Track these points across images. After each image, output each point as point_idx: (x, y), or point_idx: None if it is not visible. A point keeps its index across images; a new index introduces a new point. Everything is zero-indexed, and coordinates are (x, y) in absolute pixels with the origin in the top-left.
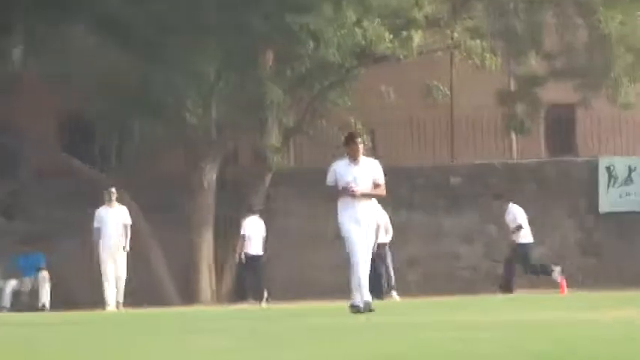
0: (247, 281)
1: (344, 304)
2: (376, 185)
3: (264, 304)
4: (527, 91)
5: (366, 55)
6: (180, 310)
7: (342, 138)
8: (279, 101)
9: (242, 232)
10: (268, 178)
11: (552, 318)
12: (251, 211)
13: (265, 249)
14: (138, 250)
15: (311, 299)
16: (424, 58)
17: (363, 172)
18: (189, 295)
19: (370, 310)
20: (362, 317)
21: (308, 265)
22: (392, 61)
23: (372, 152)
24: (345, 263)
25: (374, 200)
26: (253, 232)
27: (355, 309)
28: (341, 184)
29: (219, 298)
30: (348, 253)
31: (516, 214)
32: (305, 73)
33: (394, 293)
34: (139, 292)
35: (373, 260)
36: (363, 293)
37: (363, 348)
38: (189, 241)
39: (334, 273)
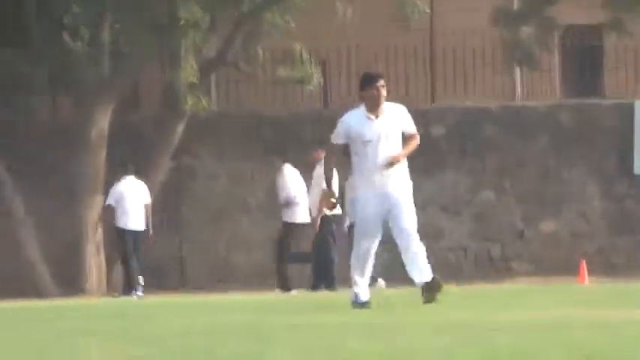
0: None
1: (274, 296)
2: (408, 137)
3: (137, 295)
4: (537, 9)
5: None
6: (47, 304)
7: (360, 79)
8: (195, 21)
9: (107, 202)
10: (181, 126)
11: (568, 317)
12: (126, 171)
13: (147, 222)
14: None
15: (231, 288)
16: None
17: (390, 126)
18: (69, 282)
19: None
20: (362, 315)
21: (230, 243)
22: None
23: (322, 91)
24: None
25: (405, 162)
26: (129, 199)
27: (360, 305)
28: (358, 146)
29: (109, 287)
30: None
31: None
32: None
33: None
34: (9, 280)
35: (320, 242)
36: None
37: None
38: (71, 213)
39: (262, 252)
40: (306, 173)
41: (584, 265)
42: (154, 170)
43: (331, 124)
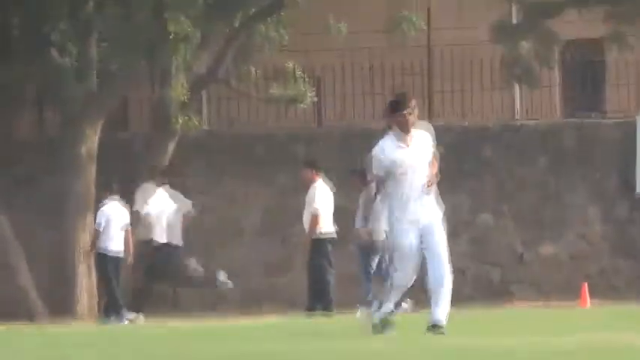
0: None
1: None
2: (434, 159)
3: (128, 319)
4: (536, 23)
5: None
6: (31, 330)
7: (386, 104)
8: (185, 35)
9: (97, 222)
10: (171, 145)
11: (563, 344)
12: (111, 191)
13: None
14: None
15: (220, 314)
16: None
17: (419, 151)
18: (60, 306)
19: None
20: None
21: (223, 267)
22: None
23: (316, 109)
24: (273, 264)
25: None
26: (114, 222)
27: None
28: (391, 175)
29: (101, 310)
30: (388, 265)
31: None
32: None
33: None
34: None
35: (315, 264)
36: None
37: None
38: (60, 233)
39: (257, 277)
40: (301, 192)
41: (585, 288)
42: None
43: (325, 142)
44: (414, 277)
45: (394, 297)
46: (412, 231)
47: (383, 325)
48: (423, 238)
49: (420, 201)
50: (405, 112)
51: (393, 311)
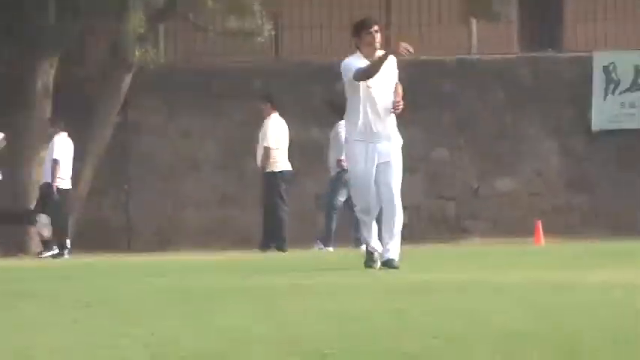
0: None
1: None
2: (395, 85)
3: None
4: None
5: None
6: None
7: (352, 26)
8: None
9: (55, 156)
10: (127, 79)
11: (523, 279)
12: (58, 126)
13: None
14: None
15: (178, 249)
16: None
17: (385, 72)
18: (13, 243)
19: (392, 267)
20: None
21: (178, 203)
22: None
23: (273, 45)
24: (225, 199)
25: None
26: (66, 157)
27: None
28: (356, 90)
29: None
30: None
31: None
32: None
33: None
34: None
35: (268, 201)
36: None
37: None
38: (16, 169)
39: (211, 212)
40: (259, 127)
41: (539, 225)
42: (100, 126)
43: (282, 76)
44: (376, 205)
45: (365, 230)
46: (369, 157)
47: (368, 260)
48: (378, 167)
49: (383, 123)
50: (371, 30)
51: (369, 244)
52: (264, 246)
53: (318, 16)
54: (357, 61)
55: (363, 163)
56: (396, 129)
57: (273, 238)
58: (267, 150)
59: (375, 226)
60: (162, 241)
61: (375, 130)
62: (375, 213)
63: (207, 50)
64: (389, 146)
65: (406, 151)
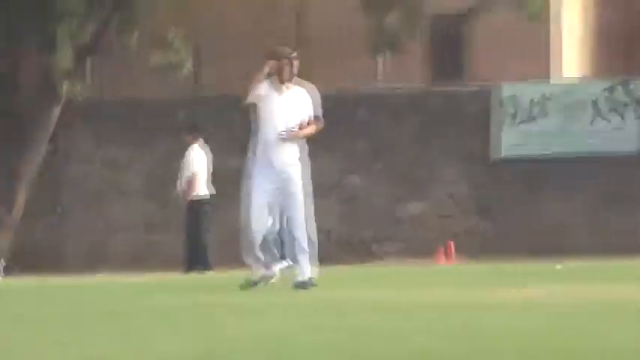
0: None
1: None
2: (310, 121)
3: None
4: None
5: None
6: None
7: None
8: (73, 11)
9: None
10: (56, 110)
11: (437, 299)
12: None
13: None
14: None
15: (107, 270)
16: None
17: (292, 102)
18: None
19: (308, 286)
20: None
21: (105, 227)
22: None
23: (194, 77)
24: (151, 225)
25: (303, 142)
26: None
27: (253, 284)
28: (262, 113)
29: None
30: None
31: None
32: None
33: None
34: None
35: (191, 227)
36: (302, 269)
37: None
38: None
39: (138, 236)
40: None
41: (451, 245)
42: (32, 153)
43: (204, 107)
44: (270, 227)
45: (253, 249)
46: (266, 182)
47: (252, 283)
48: (280, 193)
49: (280, 149)
50: (283, 60)
51: (261, 270)
52: (189, 269)
53: (236, 48)
54: (263, 87)
55: (259, 185)
56: (298, 155)
57: (196, 262)
58: (190, 177)
59: (271, 244)
60: (93, 264)
61: (275, 155)
62: (266, 232)
63: (133, 83)
64: (289, 171)
65: (321, 177)
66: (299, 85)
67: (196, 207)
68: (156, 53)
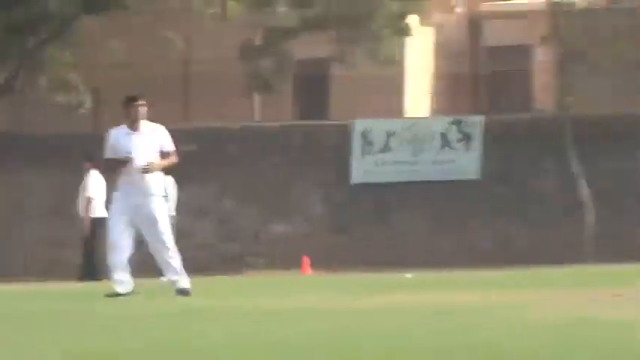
0: None
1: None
2: (166, 154)
3: None
4: (275, 44)
5: (91, 3)
6: None
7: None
8: None
9: None
10: None
11: (302, 305)
12: None
13: None
14: None
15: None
16: (160, 8)
17: (147, 141)
18: None
19: (186, 294)
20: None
21: (14, 244)
22: (121, 10)
23: (95, 114)
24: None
25: (160, 173)
26: None
27: (113, 294)
28: (120, 157)
29: None
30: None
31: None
32: (21, 22)
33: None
34: None
35: (87, 244)
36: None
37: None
38: None
39: (44, 251)
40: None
41: (306, 260)
42: None
43: (100, 142)
44: (126, 252)
45: (114, 271)
46: (125, 207)
47: (116, 293)
48: (142, 221)
49: (141, 182)
50: (136, 103)
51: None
52: (83, 278)
53: (130, 90)
54: (119, 137)
55: (119, 213)
56: (157, 185)
57: (90, 272)
58: (87, 199)
59: (119, 262)
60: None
61: (134, 186)
62: (126, 252)
63: (42, 120)
64: (151, 205)
65: (200, 202)
66: (149, 126)
67: (92, 225)
68: (60, 94)
